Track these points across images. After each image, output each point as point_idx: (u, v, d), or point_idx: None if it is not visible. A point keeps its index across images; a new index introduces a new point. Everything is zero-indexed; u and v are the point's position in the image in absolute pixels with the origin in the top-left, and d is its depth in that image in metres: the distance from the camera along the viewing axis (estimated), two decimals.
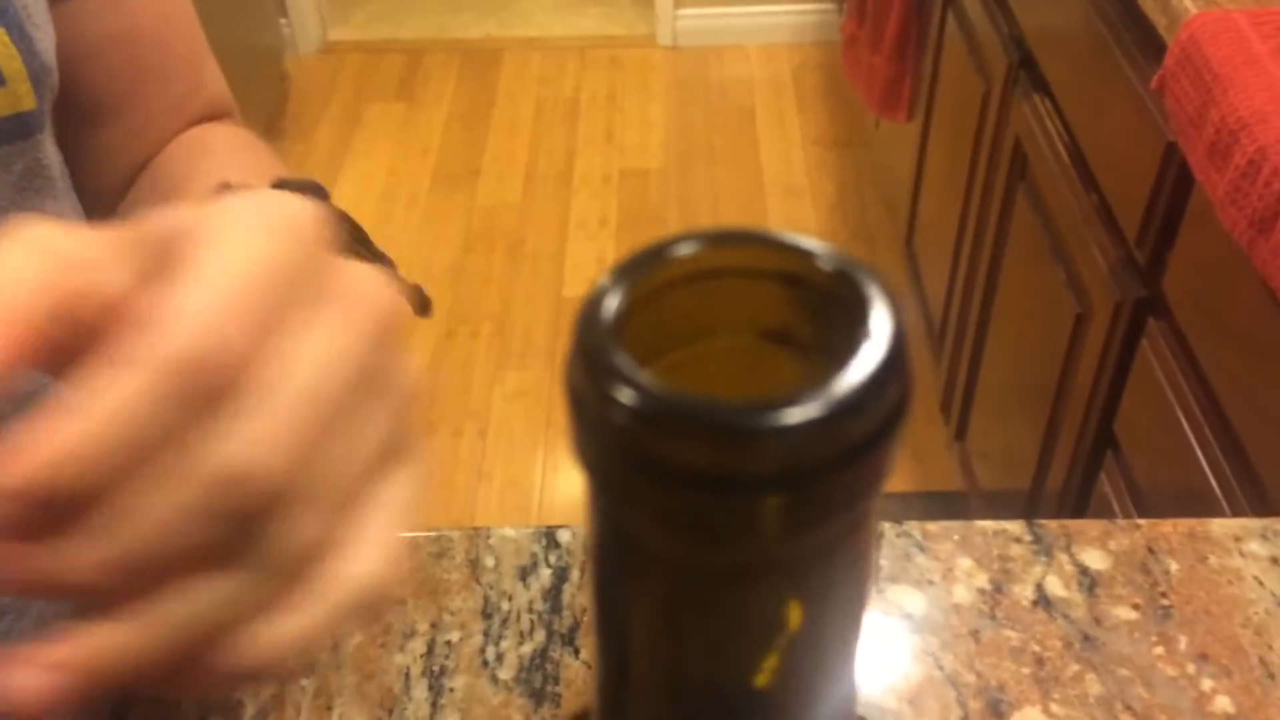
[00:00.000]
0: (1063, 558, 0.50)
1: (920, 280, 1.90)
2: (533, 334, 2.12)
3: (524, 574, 0.50)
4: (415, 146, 2.60)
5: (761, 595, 0.12)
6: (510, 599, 0.49)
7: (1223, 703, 0.44)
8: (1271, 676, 0.45)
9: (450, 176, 2.50)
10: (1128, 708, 0.44)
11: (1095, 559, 0.50)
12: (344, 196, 2.44)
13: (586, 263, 2.28)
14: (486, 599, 0.49)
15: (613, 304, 0.12)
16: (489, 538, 0.51)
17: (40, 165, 0.46)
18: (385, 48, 2.95)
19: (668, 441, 0.11)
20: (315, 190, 0.42)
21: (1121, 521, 0.51)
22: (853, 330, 0.12)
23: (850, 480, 0.12)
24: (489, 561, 0.50)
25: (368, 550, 0.26)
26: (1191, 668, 0.45)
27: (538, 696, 0.45)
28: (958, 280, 1.63)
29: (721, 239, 0.13)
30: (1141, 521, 0.51)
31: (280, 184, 0.42)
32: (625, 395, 0.11)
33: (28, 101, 0.43)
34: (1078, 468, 1.18)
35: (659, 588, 0.13)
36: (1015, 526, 0.51)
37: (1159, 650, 0.46)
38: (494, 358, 2.08)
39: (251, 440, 0.23)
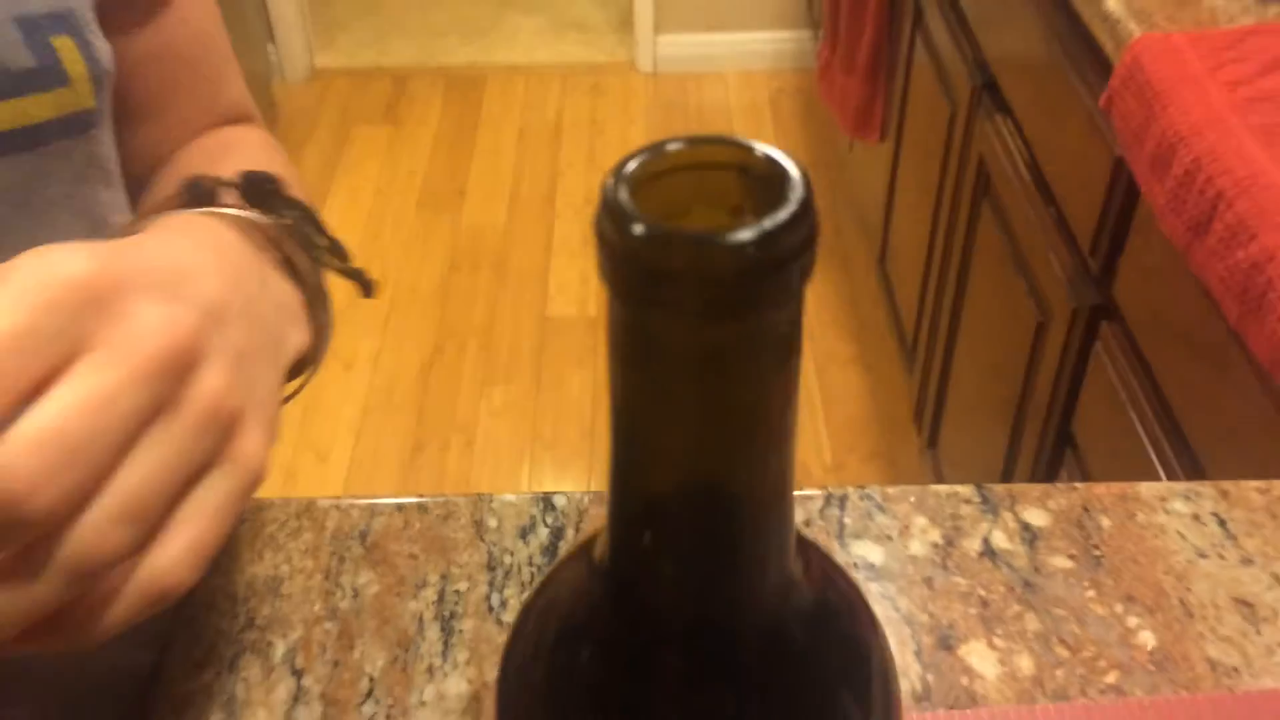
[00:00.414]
0: (1007, 516, 0.56)
1: (893, 296, 1.97)
2: (518, 350, 2.18)
3: (524, 533, 0.55)
4: (402, 169, 2.66)
5: (725, 369, 0.19)
6: (512, 554, 0.54)
7: (1146, 637, 0.50)
8: (1190, 615, 0.51)
9: (436, 198, 2.57)
10: (1062, 641, 0.50)
11: (1036, 517, 0.56)
12: (332, 217, 2.50)
13: (569, 282, 2.34)
14: (490, 554, 0.54)
15: (624, 181, 0.19)
16: (491, 502, 0.57)
17: (97, 157, 0.52)
18: (371, 73, 3.02)
19: (662, 255, 0.18)
20: (269, 181, 0.48)
21: (1061, 485, 0.57)
22: (780, 191, 0.18)
23: (775, 281, 0.18)
24: (492, 523, 0.56)
25: (167, 551, 0.32)
26: (1119, 607, 0.51)
27: None
28: (928, 295, 1.69)
29: (694, 141, 0.20)
30: (1079, 485, 0.57)
31: (245, 176, 0.48)
32: (635, 228, 0.18)
33: (87, 100, 0.49)
34: (1040, 466, 1.24)
35: (652, 363, 0.20)
36: (966, 490, 0.57)
37: (1091, 593, 0.52)
38: (480, 373, 2.13)
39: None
